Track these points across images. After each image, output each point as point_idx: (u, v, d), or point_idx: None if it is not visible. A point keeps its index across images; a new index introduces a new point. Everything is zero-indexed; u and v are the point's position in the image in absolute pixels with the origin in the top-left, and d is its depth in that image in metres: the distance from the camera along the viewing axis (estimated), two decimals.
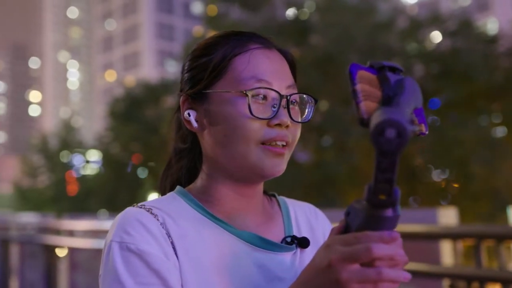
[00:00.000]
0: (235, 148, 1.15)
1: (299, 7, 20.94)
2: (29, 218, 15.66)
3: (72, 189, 35.04)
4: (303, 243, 1.25)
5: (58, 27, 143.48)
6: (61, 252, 9.12)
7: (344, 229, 0.95)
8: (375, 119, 0.82)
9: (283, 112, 1.16)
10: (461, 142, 15.96)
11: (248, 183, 1.22)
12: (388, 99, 0.89)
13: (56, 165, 37.58)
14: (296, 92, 1.22)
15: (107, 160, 31.53)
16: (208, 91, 1.19)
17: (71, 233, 9.11)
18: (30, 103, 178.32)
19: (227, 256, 1.14)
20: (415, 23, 19.38)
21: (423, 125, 0.98)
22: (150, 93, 28.74)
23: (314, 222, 1.37)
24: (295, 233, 1.29)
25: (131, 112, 28.08)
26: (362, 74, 0.94)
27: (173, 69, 64.86)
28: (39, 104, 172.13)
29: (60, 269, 9.17)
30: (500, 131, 18.25)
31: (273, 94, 1.17)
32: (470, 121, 16.69)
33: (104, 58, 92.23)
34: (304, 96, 1.24)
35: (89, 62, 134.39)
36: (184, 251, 1.11)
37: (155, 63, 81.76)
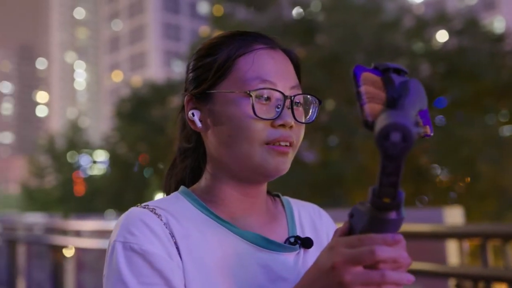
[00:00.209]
0: (239, 149, 1.15)
1: (305, 6, 20.94)
2: (36, 218, 15.71)
3: (79, 189, 35.11)
4: (306, 243, 1.24)
5: (65, 28, 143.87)
6: (68, 252, 9.15)
7: (348, 231, 0.95)
8: (380, 123, 0.82)
9: (287, 112, 1.16)
10: (467, 141, 15.92)
11: (252, 183, 1.22)
12: (392, 101, 0.89)
13: (63, 165, 37.65)
14: (300, 92, 1.21)
15: (114, 160, 31.61)
16: (212, 91, 1.19)
17: (77, 233, 9.14)
18: (37, 103, 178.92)
19: (230, 256, 1.14)
20: (421, 22, 19.35)
21: (428, 127, 0.98)
22: (157, 93, 28.77)
23: (318, 223, 1.37)
24: (299, 233, 1.29)
25: (138, 112, 28.11)
26: (366, 76, 0.93)
27: (179, 69, 64.90)
28: (46, 104, 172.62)
29: (67, 269, 9.20)
30: (507, 130, 18.20)
31: (277, 95, 1.16)
32: (476, 120, 16.65)
33: (110, 59, 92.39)
34: (308, 96, 1.24)
35: (96, 63, 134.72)
36: (188, 251, 1.11)
37: (161, 63, 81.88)
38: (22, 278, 10.95)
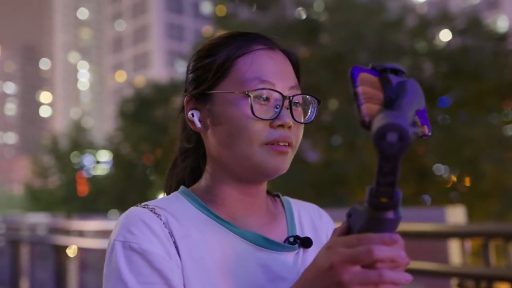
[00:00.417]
0: (239, 149, 1.16)
1: (308, 6, 20.93)
2: (39, 218, 15.73)
3: (83, 189, 35.12)
4: (305, 243, 1.25)
5: (68, 28, 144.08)
6: (71, 252, 9.16)
7: (346, 230, 0.96)
8: (377, 123, 0.82)
9: (286, 113, 1.16)
10: (471, 141, 15.91)
11: (251, 183, 1.22)
12: (390, 102, 0.89)
13: (67, 165, 37.67)
14: (299, 93, 1.22)
15: (117, 161, 31.61)
16: (211, 91, 1.20)
17: (81, 234, 9.15)
18: (41, 104, 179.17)
19: (230, 256, 1.15)
20: (425, 22, 19.32)
21: (426, 126, 0.98)
22: (160, 93, 28.73)
23: (317, 223, 1.37)
24: (298, 233, 1.30)
25: (141, 112, 28.09)
26: (363, 76, 0.93)
27: (182, 69, 64.42)
28: (50, 105, 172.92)
29: (70, 269, 9.21)
30: (510, 129, 18.17)
31: (276, 95, 1.17)
32: (480, 120, 16.62)
33: (114, 59, 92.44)
34: (307, 96, 1.24)
35: (99, 63, 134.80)
36: (187, 251, 1.12)
37: (165, 64, 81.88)
38: (26, 278, 10.96)
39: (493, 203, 16.17)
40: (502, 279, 3.85)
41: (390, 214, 0.88)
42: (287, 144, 1.17)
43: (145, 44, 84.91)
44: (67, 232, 9.62)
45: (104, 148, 36.02)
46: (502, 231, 4.04)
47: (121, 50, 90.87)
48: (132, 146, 30.14)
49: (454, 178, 17.87)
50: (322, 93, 16.22)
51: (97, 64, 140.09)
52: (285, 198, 1.39)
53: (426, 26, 19.14)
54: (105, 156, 36.39)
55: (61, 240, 9.25)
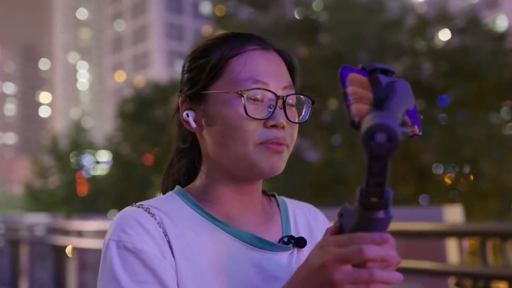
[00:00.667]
0: (233, 149, 1.16)
1: (307, 6, 20.92)
2: (38, 219, 15.72)
3: (82, 189, 35.10)
4: (300, 243, 1.25)
5: (68, 28, 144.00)
6: (70, 253, 9.16)
7: (338, 230, 0.96)
8: (366, 124, 0.82)
9: (279, 112, 1.16)
10: (470, 140, 15.91)
11: (247, 182, 1.23)
12: (379, 102, 0.89)
13: (67, 165, 37.64)
14: (293, 93, 1.22)
15: (117, 161, 31.58)
16: (206, 92, 1.20)
17: (80, 234, 9.15)
18: (40, 104, 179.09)
19: (224, 256, 1.15)
20: (424, 21, 19.31)
21: (416, 126, 0.98)
22: (160, 93, 28.68)
23: (313, 223, 1.38)
24: (293, 233, 1.30)
25: (141, 112, 28.07)
26: (353, 76, 0.94)
27: None
28: (49, 105, 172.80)
29: (69, 269, 9.21)
30: (510, 128, 18.17)
31: (269, 95, 1.17)
32: (479, 119, 16.62)
33: (113, 59, 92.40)
34: (301, 96, 1.24)
35: (99, 63, 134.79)
36: (181, 251, 1.12)
37: (164, 64, 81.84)
38: (25, 279, 10.96)
39: (493, 203, 16.17)
40: (500, 278, 3.85)
41: (380, 214, 0.89)
42: (281, 144, 1.17)
43: (145, 44, 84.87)
44: (66, 233, 9.62)
45: (104, 148, 35.98)
46: (500, 230, 4.04)
47: (120, 50, 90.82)
48: (132, 146, 30.12)
49: (453, 178, 17.88)
50: (322, 93, 16.21)
51: (96, 64, 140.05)
52: (280, 198, 1.39)
53: (425, 25, 19.13)
54: (104, 156, 36.35)
55: (60, 240, 9.25)
